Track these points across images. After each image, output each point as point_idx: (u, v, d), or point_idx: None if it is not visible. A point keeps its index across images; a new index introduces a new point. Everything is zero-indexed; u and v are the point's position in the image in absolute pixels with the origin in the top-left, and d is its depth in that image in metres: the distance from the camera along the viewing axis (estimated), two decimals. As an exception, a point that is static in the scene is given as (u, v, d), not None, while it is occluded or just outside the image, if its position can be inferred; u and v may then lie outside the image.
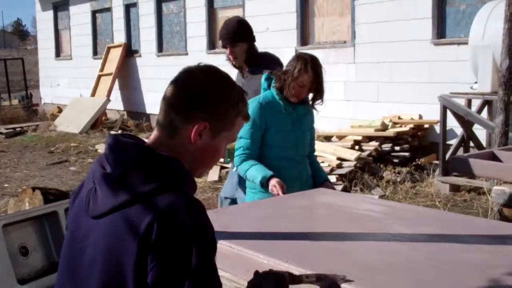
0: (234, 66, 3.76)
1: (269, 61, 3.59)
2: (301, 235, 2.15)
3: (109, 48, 14.07)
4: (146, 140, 1.46)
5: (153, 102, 12.27)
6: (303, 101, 3.14)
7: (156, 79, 12.18)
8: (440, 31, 7.67)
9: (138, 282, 1.27)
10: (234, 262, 1.94)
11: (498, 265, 1.82)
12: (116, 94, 13.81)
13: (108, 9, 14.39)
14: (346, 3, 8.83)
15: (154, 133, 1.45)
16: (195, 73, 1.46)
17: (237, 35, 3.66)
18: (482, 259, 1.89)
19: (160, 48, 12.75)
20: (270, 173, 2.91)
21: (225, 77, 1.49)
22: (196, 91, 1.43)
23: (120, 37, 14.00)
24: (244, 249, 1.95)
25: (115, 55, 13.75)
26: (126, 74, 13.67)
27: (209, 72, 1.48)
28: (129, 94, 13.72)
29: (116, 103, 13.79)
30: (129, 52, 13.68)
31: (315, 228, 2.26)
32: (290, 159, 3.09)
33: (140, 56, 13.35)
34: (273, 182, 2.85)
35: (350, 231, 2.23)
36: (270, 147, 3.08)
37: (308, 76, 2.97)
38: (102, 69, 13.94)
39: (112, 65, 13.69)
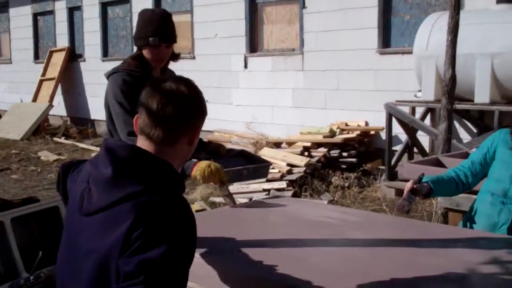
0: (134, 71, 2.76)
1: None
2: (260, 243, 2.15)
3: (51, 52, 13.69)
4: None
5: (97, 108, 11.99)
6: None
7: (100, 84, 11.85)
8: (385, 40, 7.87)
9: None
10: (196, 270, 1.93)
11: (452, 268, 1.89)
12: (59, 99, 13.44)
13: (51, 12, 14.01)
14: (295, 12, 8.95)
15: (145, 143, 1.51)
16: (179, 84, 1.54)
17: (175, 33, 2.85)
18: (437, 262, 1.95)
19: (105, 52, 12.52)
20: None
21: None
22: (191, 102, 1.53)
23: (63, 41, 13.65)
24: (207, 256, 1.94)
25: (58, 59, 13.38)
26: (70, 79, 13.34)
27: (187, 81, 1.58)
28: (73, 99, 13.39)
29: (59, 109, 13.42)
30: (73, 56, 13.36)
31: (274, 236, 2.27)
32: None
33: (84, 60, 13.06)
34: None
35: (308, 237, 2.26)
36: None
37: None
38: (44, 73, 13.53)
39: (54, 69, 13.32)
